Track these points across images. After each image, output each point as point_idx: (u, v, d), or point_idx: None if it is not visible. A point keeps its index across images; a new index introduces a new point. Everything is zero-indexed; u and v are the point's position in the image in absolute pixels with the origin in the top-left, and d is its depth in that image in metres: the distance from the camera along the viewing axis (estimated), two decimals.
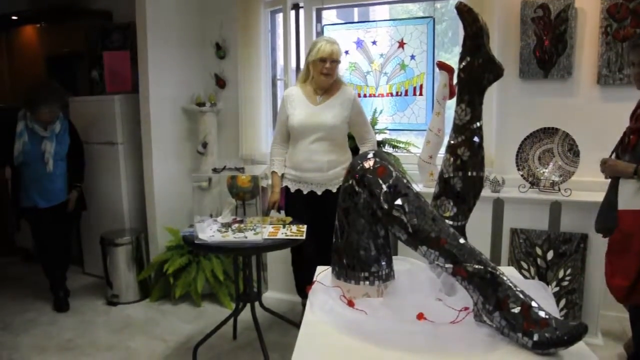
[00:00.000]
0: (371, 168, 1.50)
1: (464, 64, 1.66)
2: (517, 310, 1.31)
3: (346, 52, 3.92)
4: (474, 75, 1.65)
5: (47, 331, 3.44)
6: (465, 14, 1.65)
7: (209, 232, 2.79)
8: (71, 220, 4.01)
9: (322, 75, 2.99)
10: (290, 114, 3.07)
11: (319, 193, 3.11)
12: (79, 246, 4.55)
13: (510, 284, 1.36)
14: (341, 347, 1.31)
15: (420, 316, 1.42)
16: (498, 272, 1.37)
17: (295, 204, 3.17)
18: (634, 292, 2.42)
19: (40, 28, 4.89)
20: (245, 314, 3.15)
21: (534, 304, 1.32)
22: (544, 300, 1.43)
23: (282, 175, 3.20)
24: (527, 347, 1.28)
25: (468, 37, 1.65)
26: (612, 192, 2.48)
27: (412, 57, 3.76)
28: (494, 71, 1.66)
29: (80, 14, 4.66)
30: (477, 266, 1.37)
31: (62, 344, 3.26)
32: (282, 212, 3.30)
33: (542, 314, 1.30)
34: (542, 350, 1.26)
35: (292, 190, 3.16)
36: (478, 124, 1.67)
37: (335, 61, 2.98)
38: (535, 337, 1.26)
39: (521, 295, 1.33)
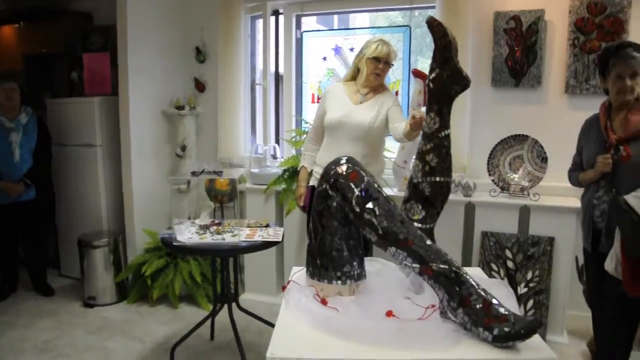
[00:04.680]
0: (344, 173, 1.58)
1: (433, 75, 1.75)
2: (479, 306, 1.40)
3: (324, 59, 4.00)
4: (443, 87, 1.74)
5: (23, 333, 3.43)
6: (435, 28, 1.73)
7: (187, 234, 2.84)
8: (38, 220, 4.06)
9: (373, 75, 2.88)
10: (328, 110, 2.95)
11: None
12: (55, 248, 4.54)
13: (473, 283, 1.44)
14: (314, 342, 1.38)
15: (389, 313, 1.50)
16: (462, 272, 1.46)
17: None
18: None
19: (19, 28, 4.87)
20: (223, 315, 3.20)
21: (494, 300, 1.41)
22: (505, 297, 1.52)
23: (311, 172, 3.10)
24: (487, 341, 1.37)
25: (437, 50, 1.74)
26: (623, 215, 2.29)
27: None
28: (461, 83, 1.76)
29: (60, 14, 4.64)
30: (442, 266, 1.45)
31: (39, 345, 3.26)
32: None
33: (502, 310, 1.39)
34: (501, 344, 1.35)
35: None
36: (446, 132, 1.76)
37: (388, 63, 2.89)
38: (495, 332, 1.35)
39: (483, 293, 1.42)
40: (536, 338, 1.37)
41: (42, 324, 3.58)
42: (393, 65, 2.98)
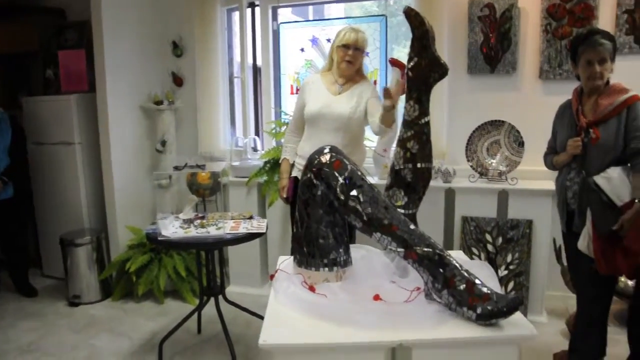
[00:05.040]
0: (328, 162, 1.61)
1: (412, 64, 1.79)
2: (462, 287, 1.45)
3: (302, 50, 4.02)
4: (421, 75, 1.78)
5: (6, 335, 3.40)
6: (412, 17, 1.77)
7: (171, 228, 2.84)
8: (16, 219, 4.03)
9: (344, 63, 2.87)
10: (307, 102, 2.95)
11: None
12: (36, 248, 4.50)
13: (457, 264, 1.49)
14: (304, 328, 1.42)
15: (376, 297, 1.54)
16: (445, 254, 1.51)
17: None
18: None
19: None
20: (208, 309, 3.21)
21: (477, 281, 1.46)
22: (487, 278, 1.57)
23: (293, 163, 3.09)
24: (471, 319, 1.42)
25: (415, 39, 1.78)
26: (592, 195, 2.40)
27: (367, 54, 3.89)
28: (440, 70, 1.80)
29: (32, 11, 4.57)
30: (426, 249, 1.50)
31: (22, 346, 3.24)
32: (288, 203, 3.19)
33: (484, 289, 1.44)
34: (485, 322, 1.40)
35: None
36: (426, 119, 1.80)
37: (358, 49, 2.86)
38: (479, 310, 1.40)
39: (466, 274, 1.47)
40: (518, 315, 1.43)
41: (26, 325, 3.55)
42: (366, 52, 2.98)
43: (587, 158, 2.44)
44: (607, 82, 2.44)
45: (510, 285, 3.34)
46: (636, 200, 2.24)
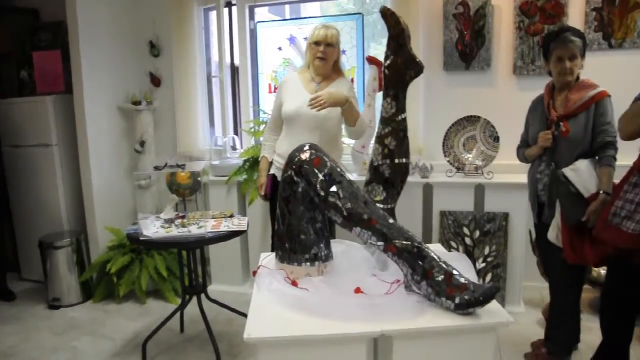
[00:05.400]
0: (308, 159, 1.64)
1: (388, 62, 1.83)
2: (440, 278, 1.49)
3: (279, 49, 4.04)
4: (398, 72, 1.83)
5: None
6: (388, 17, 1.81)
7: (153, 228, 2.85)
8: None
9: (317, 60, 2.88)
10: (284, 101, 2.95)
11: None
12: (14, 251, 4.45)
13: (435, 256, 1.54)
14: (288, 321, 1.45)
15: (357, 290, 1.58)
16: (423, 247, 1.55)
17: None
18: None
19: None
20: (190, 308, 3.23)
21: (455, 272, 1.50)
22: (464, 269, 1.62)
23: (272, 161, 3.10)
24: (450, 309, 1.46)
25: (391, 38, 1.82)
26: (561, 186, 2.50)
27: (343, 52, 3.92)
28: (415, 68, 1.84)
29: (5, 12, 4.51)
30: (405, 242, 1.54)
31: (3, 350, 3.21)
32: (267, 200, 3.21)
33: (462, 280, 1.48)
34: (463, 311, 1.45)
35: (279, 179, 3.04)
36: (402, 115, 1.85)
37: (330, 45, 2.85)
38: (457, 300, 1.45)
39: (444, 265, 1.52)
40: (494, 304, 1.48)
41: (6, 329, 3.52)
42: (342, 50, 2.96)
43: (556, 151, 2.53)
44: (577, 77, 2.52)
45: (488, 277, 3.42)
46: (601, 192, 2.34)
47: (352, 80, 3.89)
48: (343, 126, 2.92)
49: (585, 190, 2.38)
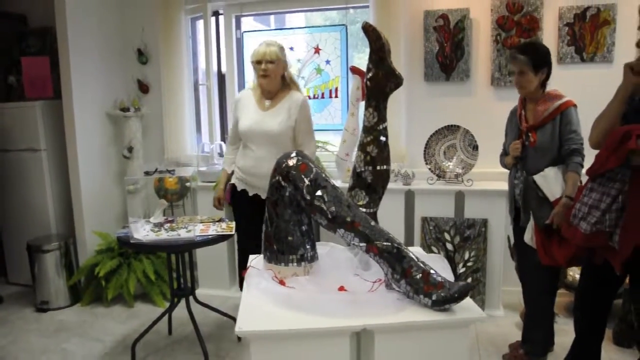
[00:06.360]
0: (295, 165, 1.75)
1: (370, 74, 1.95)
2: (419, 276, 1.60)
3: None
4: (379, 85, 1.94)
5: None
6: (370, 32, 1.92)
7: (142, 232, 2.93)
8: None
9: (260, 78, 2.95)
10: (239, 118, 3.05)
11: (264, 197, 3.02)
12: (1, 255, 4.48)
13: (413, 256, 1.65)
14: (276, 316, 1.55)
15: (341, 288, 1.68)
16: (403, 247, 1.66)
17: (241, 202, 3.16)
18: None
19: None
20: (178, 311, 3.29)
21: (432, 271, 1.61)
22: (441, 269, 1.73)
23: (232, 172, 3.21)
24: (427, 306, 1.57)
25: (373, 51, 1.93)
26: (532, 192, 2.67)
27: (328, 62, 4.06)
28: (395, 81, 1.96)
29: None
30: (385, 243, 1.65)
31: None
32: (222, 210, 3.41)
33: (439, 278, 1.59)
34: (439, 307, 1.56)
35: (239, 189, 3.14)
36: (383, 125, 1.96)
37: (270, 62, 2.90)
38: (434, 297, 1.56)
39: (422, 265, 1.63)
40: (468, 301, 1.59)
41: None
42: (285, 63, 3.00)
43: (527, 159, 2.70)
44: (544, 90, 2.69)
45: (469, 281, 3.53)
46: (564, 196, 2.50)
47: (336, 89, 4.02)
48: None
49: (551, 195, 2.54)
